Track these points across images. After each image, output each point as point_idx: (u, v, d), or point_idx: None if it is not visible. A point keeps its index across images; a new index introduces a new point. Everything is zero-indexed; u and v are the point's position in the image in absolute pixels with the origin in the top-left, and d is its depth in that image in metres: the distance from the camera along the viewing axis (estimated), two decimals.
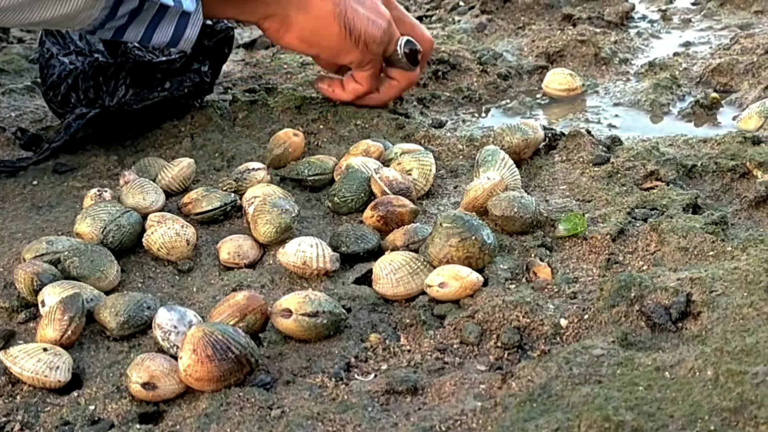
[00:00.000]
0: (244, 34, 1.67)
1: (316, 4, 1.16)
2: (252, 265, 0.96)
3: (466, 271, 0.87)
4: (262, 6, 1.17)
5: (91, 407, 0.77)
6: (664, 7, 1.71)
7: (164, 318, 0.82)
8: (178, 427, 0.74)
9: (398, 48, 1.22)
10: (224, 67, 1.41)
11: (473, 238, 0.90)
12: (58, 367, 0.79)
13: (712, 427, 0.66)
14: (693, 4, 1.73)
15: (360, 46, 1.18)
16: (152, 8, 1.08)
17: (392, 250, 0.94)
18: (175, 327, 0.82)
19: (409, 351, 0.82)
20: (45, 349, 0.80)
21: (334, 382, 0.78)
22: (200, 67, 1.25)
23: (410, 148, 1.13)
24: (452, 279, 0.86)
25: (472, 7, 1.69)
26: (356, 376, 0.79)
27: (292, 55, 1.53)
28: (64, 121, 1.19)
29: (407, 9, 1.76)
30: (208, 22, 1.26)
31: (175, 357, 0.79)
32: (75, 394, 0.79)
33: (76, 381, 0.81)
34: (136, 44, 1.22)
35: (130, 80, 1.21)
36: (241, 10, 1.18)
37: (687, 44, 1.53)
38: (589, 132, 1.15)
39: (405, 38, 1.23)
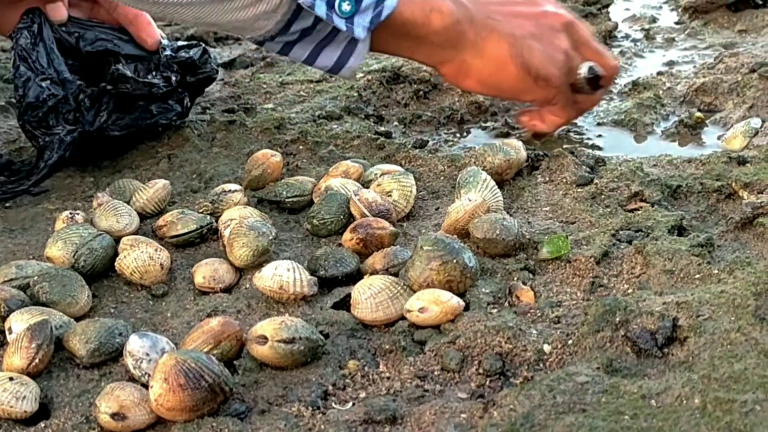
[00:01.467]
0: (223, 54, 1.65)
1: (491, 46, 1.13)
2: (228, 290, 0.94)
3: (447, 295, 0.85)
4: (437, 50, 1.14)
5: None
6: (647, 26, 1.70)
7: (136, 345, 0.80)
8: None
9: (579, 74, 1.18)
10: None
11: (454, 261, 0.88)
12: (24, 397, 0.76)
13: None
14: (676, 23, 1.72)
15: (540, 83, 1.14)
16: (324, 30, 1.10)
17: (372, 273, 0.91)
18: (147, 354, 0.79)
19: (388, 378, 0.80)
20: (11, 378, 0.78)
21: (310, 412, 0.75)
22: (183, 96, 1.24)
23: (390, 169, 1.11)
24: (433, 304, 0.84)
25: None
26: (334, 404, 0.77)
27: (272, 75, 1.52)
28: (41, 144, 1.15)
29: None
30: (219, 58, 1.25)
31: (146, 386, 0.76)
32: (42, 425, 0.76)
33: (43, 411, 0.78)
34: (126, 71, 1.19)
35: (113, 106, 1.18)
36: (415, 51, 1.16)
37: (670, 63, 1.52)
38: (572, 152, 1.13)
39: (587, 65, 1.18)
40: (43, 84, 1.16)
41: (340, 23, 1.06)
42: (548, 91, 1.16)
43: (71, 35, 1.20)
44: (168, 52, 1.25)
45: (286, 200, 1.08)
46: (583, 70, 1.17)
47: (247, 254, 0.94)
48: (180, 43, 1.30)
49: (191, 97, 1.29)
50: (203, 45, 1.30)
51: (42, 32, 1.17)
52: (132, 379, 0.79)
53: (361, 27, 1.07)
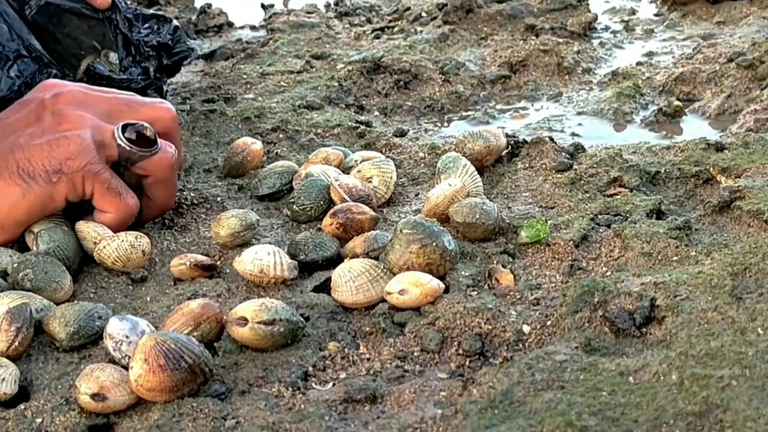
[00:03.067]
0: (204, 46, 1.65)
1: None
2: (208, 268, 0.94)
3: (427, 277, 0.85)
4: None
5: (38, 420, 0.74)
6: (626, 18, 1.71)
7: (115, 328, 0.79)
8: None
9: (117, 139, 0.96)
10: (183, 78, 1.39)
11: (434, 244, 0.88)
12: (3, 379, 0.76)
13: None
14: (655, 15, 1.73)
15: (55, 178, 0.92)
16: None
17: (352, 257, 0.91)
18: (127, 337, 0.79)
19: (368, 359, 0.80)
20: None
21: (291, 392, 0.75)
22: (161, 84, 1.24)
23: (370, 155, 1.11)
24: (412, 286, 0.84)
25: (434, 18, 1.68)
26: (314, 385, 0.77)
27: (252, 66, 1.52)
28: None
29: (368, 21, 1.76)
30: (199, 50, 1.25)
31: (126, 368, 0.76)
32: (22, 407, 0.75)
33: (23, 394, 0.78)
34: (99, 62, 1.19)
35: None
36: None
37: (650, 54, 1.53)
38: (551, 139, 1.14)
39: (120, 125, 0.97)
40: (12, 73, 1.13)
41: None
42: (70, 182, 0.93)
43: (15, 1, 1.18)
44: (141, 34, 1.24)
45: (265, 195, 1.08)
46: (118, 133, 0.97)
47: (236, 224, 0.95)
48: (144, 10, 1.28)
49: (169, 76, 1.29)
50: (172, 20, 1.29)
51: None
52: (112, 361, 0.79)
53: None
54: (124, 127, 0.97)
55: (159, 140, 0.98)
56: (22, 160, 0.93)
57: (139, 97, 1.04)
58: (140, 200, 0.99)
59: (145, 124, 0.97)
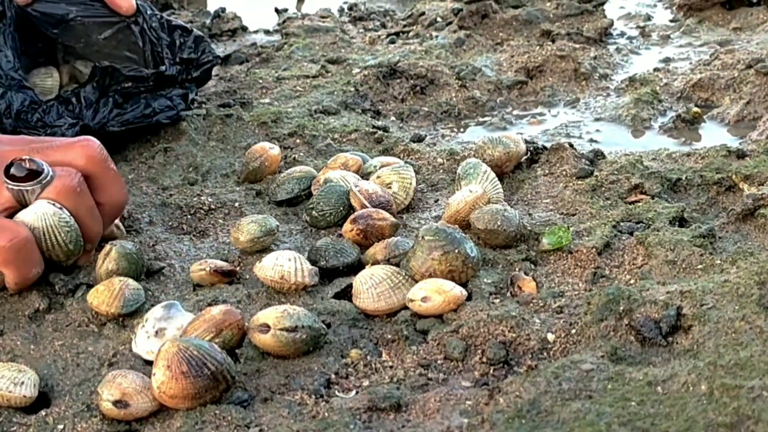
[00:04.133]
0: (218, 50, 1.65)
1: None
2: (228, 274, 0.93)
3: (450, 285, 0.85)
4: None
5: (60, 426, 0.73)
6: (642, 24, 1.70)
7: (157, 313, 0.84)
8: None
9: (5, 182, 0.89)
10: None
11: (456, 251, 0.87)
12: (22, 383, 0.76)
13: None
14: (671, 21, 1.72)
15: None
16: None
17: (373, 264, 0.91)
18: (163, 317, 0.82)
19: (391, 367, 0.79)
20: (8, 368, 0.77)
21: (314, 399, 0.75)
22: (187, 92, 1.23)
23: (389, 161, 1.10)
24: (435, 293, 0.84)
25: (450, 23, 1.68)
26: (337, 392, 0.76)
27: (267, 70, 1.51)
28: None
29: (383, 25, 1.75)
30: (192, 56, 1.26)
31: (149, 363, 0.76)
32: (43, 413, 0.75)
33: (44, 400, 0.78)
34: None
35: (113, 102, 1.17)
36: None
37: (667, 60, 1.52)
38: (571, 145, 1.13)
39: (2, 168, 0.89)
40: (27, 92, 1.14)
41: None
42: None
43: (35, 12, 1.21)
44: (167, 42, 1.24)
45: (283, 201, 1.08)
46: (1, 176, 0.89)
47: (256, 229, 0.95)
48: (169, 19, 1.28)
49: (199, 86, 1.30)
50: (193, 31, 1.29)
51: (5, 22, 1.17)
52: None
53: None
54: (8, 168, 0.89)
55: (48, 167, 0.89)
56: None
57: (53, 142, 0.93)
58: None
59: (24, 157, 0.89)
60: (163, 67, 1.22)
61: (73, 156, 0.91)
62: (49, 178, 0.89)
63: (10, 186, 0.89)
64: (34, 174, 0.88)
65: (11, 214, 0.89)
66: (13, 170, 0.88)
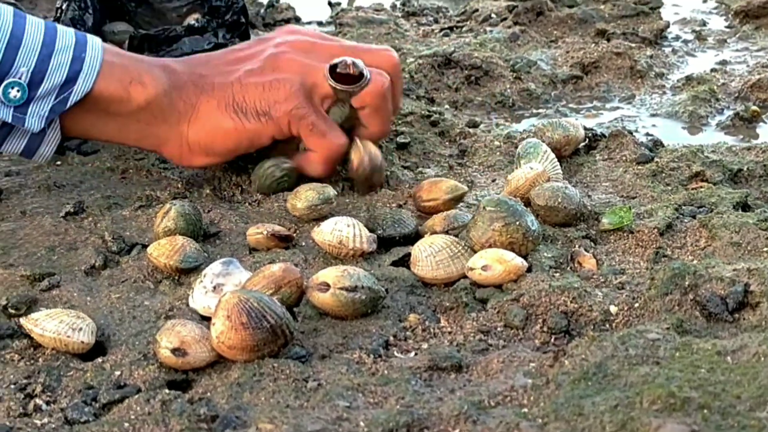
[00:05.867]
0: None
1: (203, 107, 0.98)
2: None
3: (510, 255, 0.84)
4: (149, 129, 0.98)
5: (117, 372, 0.73)
6: (697, 29, 1.68)
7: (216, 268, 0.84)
8: (208, 394, 0.70)
9: (327, 80, 0.98)
10: None
11: (517, 223, 0.86)
12: (80, 329, 0.75)
13: None
14: (727, 27, 1.71)
15: (264, 119, 0.98)
16: None
17: (432, 235, 0.90)
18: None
19: (450, 332, 0.78)
20: (67, 314, 0.77)
21: (372, 359, 0.74)
22: (226, 43, 1.23)
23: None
24: (496, 262, 0.83)
25: (504, 19, 1.67)
26: (396, 353, 0.75)
27: None
28: None
29: (435, 21, 1.75)
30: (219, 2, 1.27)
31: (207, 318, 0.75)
32: (99, 360, 0.75)
33: (100, 349, 0.77)
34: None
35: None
36: (124, 133, 0.98)
37: (723, 62, 1.50)
38: (630, 132, 1.11)
39: (327, 66, 0.99)
40: None
41: (6, 113, 0.89)
42: (278, 124, 0.98)
43: None
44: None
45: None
46: (325, 71, 0.99)
47: (314, 196, 0.95)
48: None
49: (231, 31, 1.30)
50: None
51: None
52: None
53: (36, 117, 0.90)
54: (333, 67, 0.98)
55: (367, 71, 0.99)
56: (239, 95, 0.98)
57: (362, 45, 1.08)
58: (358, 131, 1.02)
59: (347, 60, 0.98)
60: (192, 21, 1.22)
61: (381, 61, 1.02)
62: (367, 82, 0.98)
63: (332, 85, 0.98)
64: (349, 76, 0.98)
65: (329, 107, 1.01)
66: (339, 69, 0.98)
